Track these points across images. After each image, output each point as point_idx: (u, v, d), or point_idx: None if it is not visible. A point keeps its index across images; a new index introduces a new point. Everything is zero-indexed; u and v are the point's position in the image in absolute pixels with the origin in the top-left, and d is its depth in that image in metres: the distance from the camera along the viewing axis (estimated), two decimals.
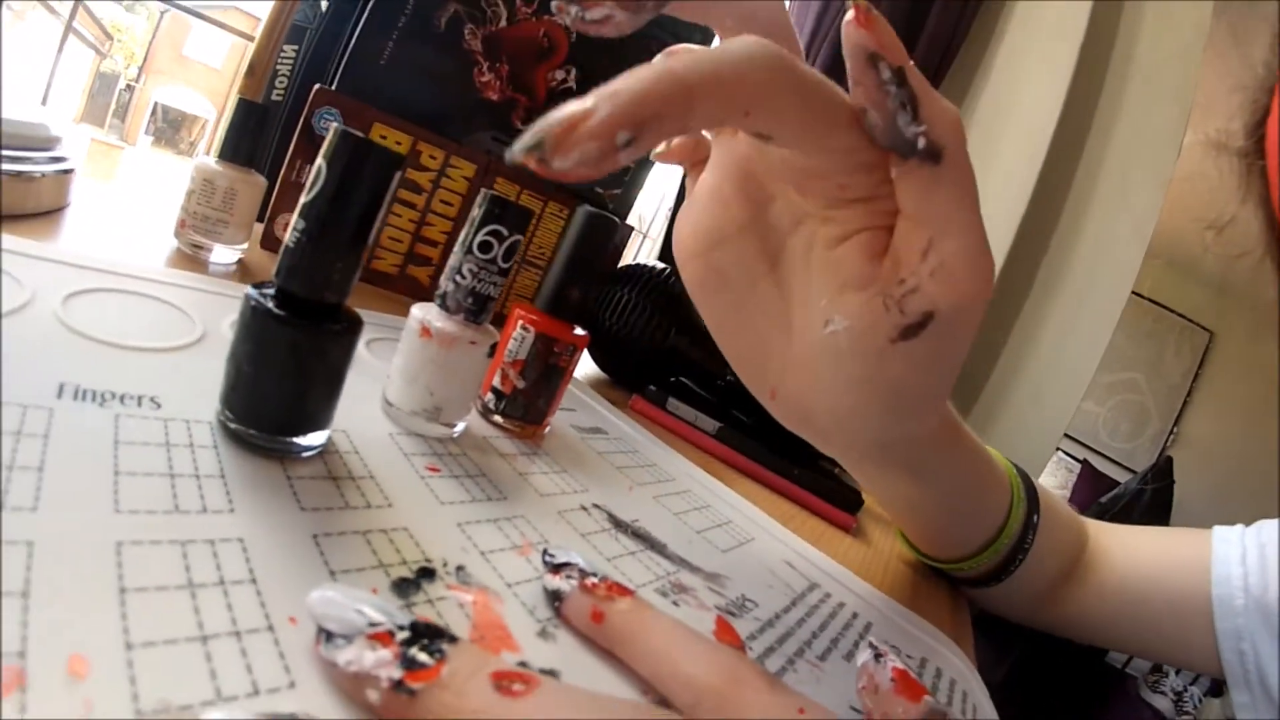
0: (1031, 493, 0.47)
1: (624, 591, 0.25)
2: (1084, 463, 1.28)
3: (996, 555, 0.47)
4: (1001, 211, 1.13)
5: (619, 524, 0.36)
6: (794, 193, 0.30)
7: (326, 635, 0.19)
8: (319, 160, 0.25)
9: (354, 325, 0.28)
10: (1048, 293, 1.16)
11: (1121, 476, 1.20)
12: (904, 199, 0.27)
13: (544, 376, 0.40)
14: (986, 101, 1.21)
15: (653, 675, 0.23)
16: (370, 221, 0.26)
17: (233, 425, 0.27)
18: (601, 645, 0.25)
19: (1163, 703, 0.88)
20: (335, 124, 0.24)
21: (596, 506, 0.37)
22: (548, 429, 0.43)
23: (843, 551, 0.50)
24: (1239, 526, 0.48)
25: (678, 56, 0.21)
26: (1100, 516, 1.04)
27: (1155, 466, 1.09)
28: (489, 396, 0.41)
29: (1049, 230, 1.16)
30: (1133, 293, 1.08)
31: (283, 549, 0.23)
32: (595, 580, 0.26)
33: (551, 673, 0.23)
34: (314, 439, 0.29)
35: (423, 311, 0.34)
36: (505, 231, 0.34)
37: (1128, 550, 0.50)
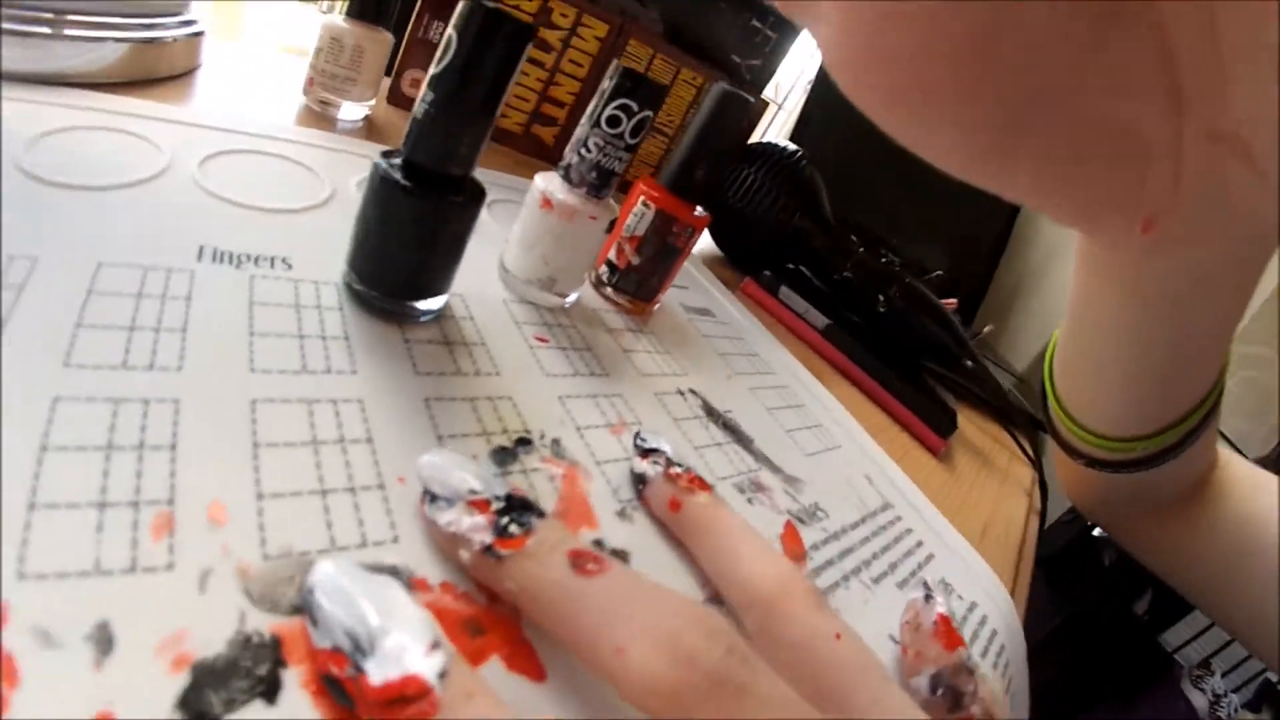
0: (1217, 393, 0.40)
1: (704, 486, 0.27)
2: None
3: (1176, 435, 0.41)
4: None
5: (712, 413, 0.37)
6: None
7: (431, 496, 0.21)
8: (449, 30, 0.25)
9: (478, 197, 0.29)
10: None
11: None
12: None
13: (659, 255, 0.40)
14: None
15: (714, 571, 0.25)
16: (499, 94, 0.26)
17: (357, 287, 0.29)
18: (674, 533, 0.27)
19: (1200, 700, 0.86)
20: None
21: (693, 392, 0.38)
22: (657, 306, 0.44)
23: (925, 475, 0.50)
24: None
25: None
26: None
27: (1267, 458, 1.00)
28: (603, 269, 0.42)
29: None
30: None
31: (397, 411, 0.25)
32: (679, 470, 0.27)
33: (623, 553, 0.25)
34: (433, 304, 0.30)
35: (545, 182, 0.35)
36: (635, 107, 0.33)
37: (1255, 491, 0.45)
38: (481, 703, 0.16)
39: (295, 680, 0.16)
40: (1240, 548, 0.43)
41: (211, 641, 0.16)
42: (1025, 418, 0.78)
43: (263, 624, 0.17)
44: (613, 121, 0.33)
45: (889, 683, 0.21)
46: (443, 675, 0.16)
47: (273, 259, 0.30)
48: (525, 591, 0.19)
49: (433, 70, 0.25)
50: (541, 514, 0.21)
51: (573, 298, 0.38)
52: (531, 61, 0.57)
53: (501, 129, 0.60)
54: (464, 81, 0.25)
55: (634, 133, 0.34)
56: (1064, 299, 1.19)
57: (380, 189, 0.27)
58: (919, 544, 0.38)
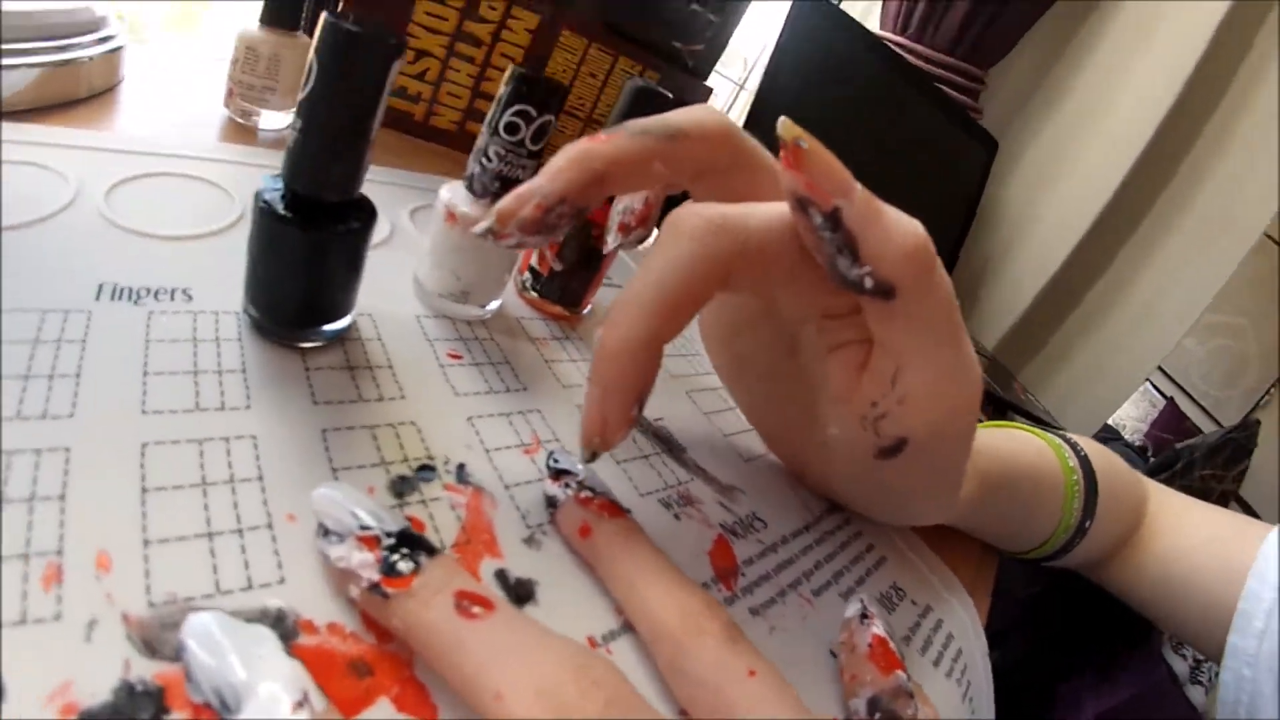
0: (1090, 491, 0.46)
1: (616, 512, 0.27)
2: (1170, 399, 1.21)
3: (1042, 553, 0.48)
4: (1139, 114, 1.04)
5: (640, 423, 0.37)
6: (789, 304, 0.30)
7: (324, 530, 0.22)
8: (310, 55, 0.24)
9: (366, 221, 0.29)
10: (1174, 212, 1.09)
11: (1204, 423, 1.14)
12: (870, 325, 0.26)
13: (583, 259, 0.41)
14: None
15: (624, 602, 0.25)
16: (369, 116, 0.26)
17: (253, 316, 0.29)
18: (584, 559, 0.27)
19: (1180, 666, 0.87)
20: (325, 15, 0.24)
21: None
22: (588, 310, 0.45)
23: None
24: None
25: None
26: (1172, 464, 1.00)
27: (1239, 427, 1.01)
28: (526, 275, 0.42)
29: (1186, 146, 1.07)
30: (1264, 235, 1.01)
31: (292, 445, 0.26)
32: (590, 495, 0.28)
33: (528, 583, 0.25)
34: (334, 327, 0.31)
35: (449, 194, 0.35)
36: (534, 112, 0.33)
37: (1179, 535, 0.50)
38: None
39: None
40: (1170, 589, 0.48)
41: (97, 691, 0.17)
42: (993, 401, 0.78)
43: (147, 671, 0.18)
44: (511, 129, 0.33)
45: None
46: None
47: (173, 291, 0.30)
48: (410, 631, 0.20)
49: (299, 96, 0.25)
50: (433, 551, 0.22)
51: (494, 306, 0.39)
52: (461, 57, 0.57)
53: (434, 128, 0.60)
54: (330, 107, 0.25)
55: (535, 139, 0.34)
56: (1028, 275, 1.19)
57: (262, 219, 0.27)
58: (869, 548, 0.38)
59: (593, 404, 0.24)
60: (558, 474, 0.29)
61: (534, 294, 0.42)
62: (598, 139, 0.25)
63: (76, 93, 0.41)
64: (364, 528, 0.21)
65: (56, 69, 0.39)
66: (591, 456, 0.26)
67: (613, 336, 0.24)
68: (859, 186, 0.22)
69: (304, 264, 0.28)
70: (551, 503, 0.28)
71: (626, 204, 0.29)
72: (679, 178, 0.27)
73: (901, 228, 0.23)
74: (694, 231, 0.23)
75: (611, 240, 0.30)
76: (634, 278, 0.24)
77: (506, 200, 0.25)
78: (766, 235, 0.24)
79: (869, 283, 0.23)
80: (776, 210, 0.25)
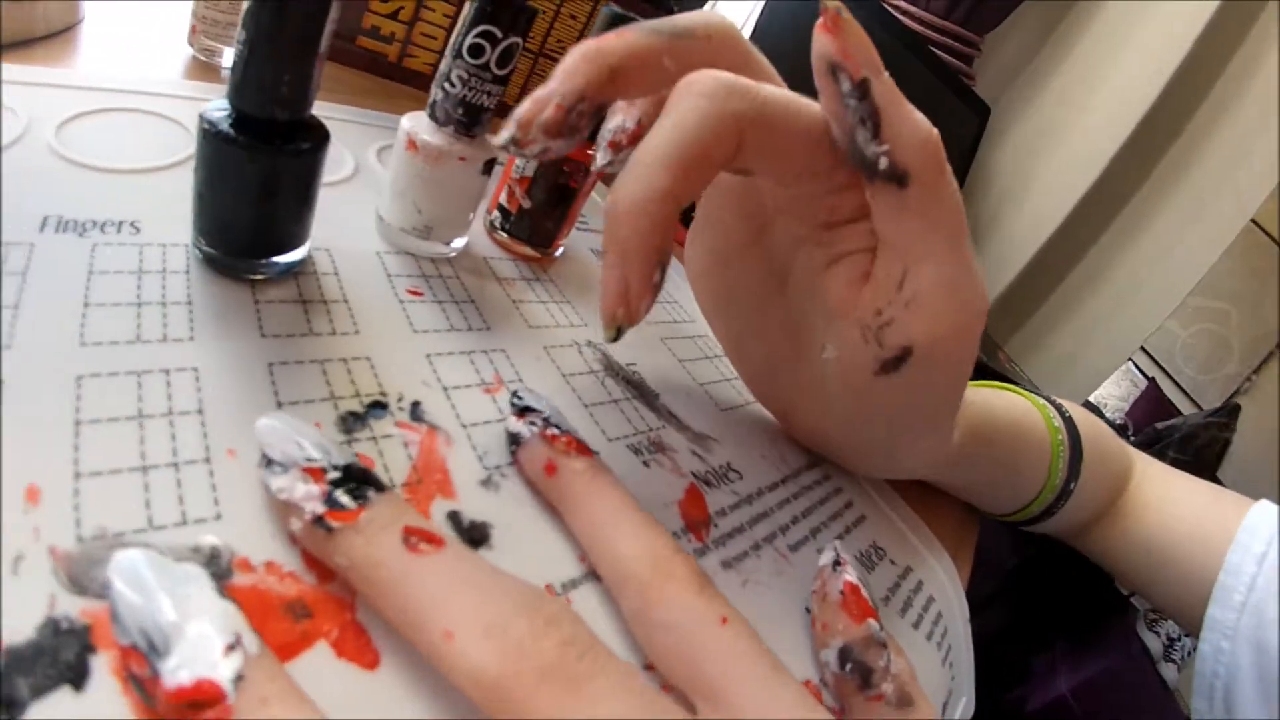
0: (1075, 454, 0.46)
1: (584, 451, 0.26)
2: (1151, 380, 1.23)
3: (1026, 515, 0.47)
4: (1134, 90, 1.04)
5: (612, 367, 0.36)
6: (792, 214, 0.29)
7: (267, 461, 0.21)
8: None
9: (318, 143, 0.27)
10: (1163, 192, 1.09)
11: (1185, 405, 1.16)
12: (878, 222, 0.26)
13: (553, 197, 0.39)
14: None
15: (589, 546, 0.24)
16: (319, 24, 0.24)
17: (204, 248, 0.28)
18: (548, 500, 0.26)
19: (1154, 643, 0.89)
20: None
21: (591, 344, 0.37)
22: (559, 251, 0.43)
23: None
24: None
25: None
26: (1153, 443, 1.01)
27: (1221, 410, 1.03)
28: (495, 213, 0.41)
29: (1177, 128, 1.07)
30: (1252, 221, 1.02)
31: (236, 378, 0.25)
32: (556, 432, 0.26)
33: (482, 526, 0.24)
34: (285, 259, 0.29)
35: (411, 122, 0.33)
36: (499, 33, 0.31)
37: (1163, 505, 0.50)
38: (276, 709, 0.16)
39: (105, 666, 0.16)
40: (1153, 558, 0.48)
41: (21, 627, 0.16)
42: (979, 368, 0.78)
43: (73, 608, 0.17)
44: (475, 51, 0.31)
45: (777, 672, 0.21)
46: (239, 679, 0.15)
47: (120, 224, 0.29)
48: (355, 568, 0.19)
49: (244, 6, 0.23)
50: (382, 488, 0.21)
51: (459, 244, 0.38)
52: None
53: (408, 69, 0.58)
54: (277, 15, 0.23)
55: (501, 62, 0.32)
56: (1016, 247, 1.20)
57: (207, 142, 0.25)
58: (849, 505, 0.37)
59: (611, 272, 0.23)
60: (523, 411, 0.27)
61: (503, 234, 0.41)
62: (607, 37, 0.24)
63: (34, 31, 0.39)
64: (309, 459, 0.20)
65: (11, 5, 0.37)
66: (616, 334, 0.24)
67: (625, 194, 0.22)
68: (887, 73, 0.23)
69: (252, 189, 0.26)
70: (515, 440, 0.27)
71: (618, 123, 0.28)
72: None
73: (920, 118, 0.24)
74: (706, 89, 0.23)
75: (601, 159, 0.29)
76: (645, 139, 0.23)
77: (524, 106, 0.24)
78: (778, 108, 0.24)
79: (884, 163, 0.24)
80: (790, 93, 0.25)
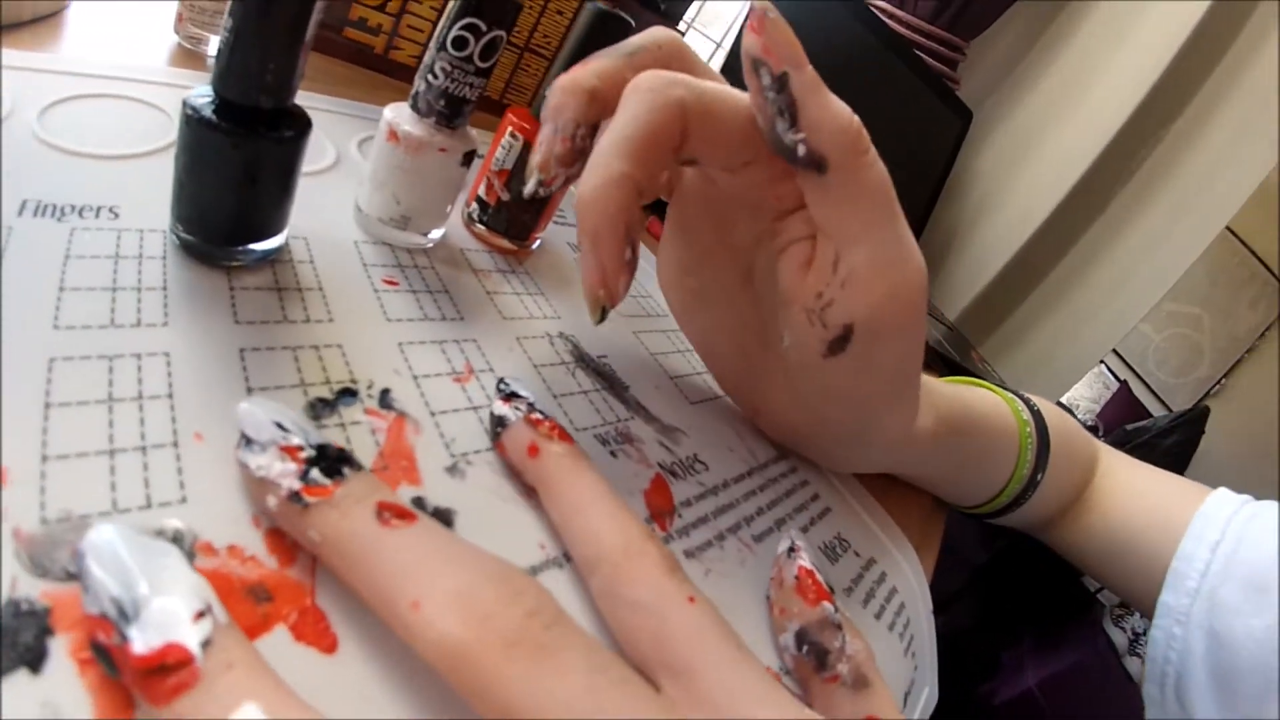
0: (1043, 446, 0.47)
1: (565, 437, 0.27)
2: (1123, 383, 1.25)
3: (994, 507, 0.49)
4: (1115, 100, 1.05)
5: (583, 359, 0.37)
6: (750, 210, 0.31)
7: (246, 440, 0.21)
8: None
9: (300, 131, 0.27)
10: (1140, 199, 1.11)
11: (1155, 408, 1.18)
12: (810, 208, 0.28)
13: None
14: None
15: (563, 525, 0.25)
16: (305, 14, 0.25)
17: (181, 235, 0.28)
18: (527, 481, 0.27)
19: (1120, 638, 0.90)
20: None
21: (563, 336, 0.38)
22: (536, 244, 0.44)
23: None
24: (1241, 501, 0.46)
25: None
26: (1123, 444, 1.02)
27: (1190, 412, 1.05)
28: (473, 206, 0.41)
29: (1156, 136, 1.08)
30: (1227, 228, 1.03)
31: (207, 363, 0.25)
32: (541, 417, 0.28)
33: (446, 512, 0.25)
34: (263, 246, 0.30)
35: (393, 113, 0.34)
36: (483, 26, 0.32)
37: (1127, 495, 0.51)
38: (242, 673, 0.16)
39: (63, 649, 0.16)
40: (1115, 548, 0.50)
41: None
42: (951, 368, 0.79)
43: (34, 590, 0.17)
44: (459, 43, 0.32)
45: (743, 653, 0.22)
46: (206, 644, 0.16)
47: (99, 209, 0.29)
48: (327, 542, 0.20)
49: None
50: (359, 468, 0.21)
51: (436, 235, 0.38)
52: None
53: (394, 62, 0.58)
54: (263, 4, 0.24)
55: (484, 55, 0.32)
56: (994, 250, 1.22)
57: (190, 128, 0.25)
58: (815, 497, 0.38)
59: (587, 258, 0.25)
60: (509, 397, 0.29)
61: (481, 226, 0.41)
62: (575, 70, 0.27)
63: (19, 15, 0.39)
64: (287, 439, 0.21)
65: None
66: (602, 315, 0.26)
67: (588, 184, 0.25)
68: (810, 66, 0.25)
69: (233, 175, 0.27)
70: (500, 423, 0.28)
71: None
72: None
73: (839, 107, 0.26)
74: (648, 83, 0.25)
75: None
76: (602, 136, 0.26)
77: (535, 156, 0.27)
78: (715, 96, 0.26)
79: (802, 150, 0.25)
80: (726, 86, 0.27)
